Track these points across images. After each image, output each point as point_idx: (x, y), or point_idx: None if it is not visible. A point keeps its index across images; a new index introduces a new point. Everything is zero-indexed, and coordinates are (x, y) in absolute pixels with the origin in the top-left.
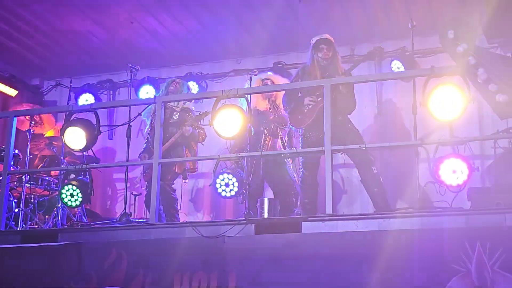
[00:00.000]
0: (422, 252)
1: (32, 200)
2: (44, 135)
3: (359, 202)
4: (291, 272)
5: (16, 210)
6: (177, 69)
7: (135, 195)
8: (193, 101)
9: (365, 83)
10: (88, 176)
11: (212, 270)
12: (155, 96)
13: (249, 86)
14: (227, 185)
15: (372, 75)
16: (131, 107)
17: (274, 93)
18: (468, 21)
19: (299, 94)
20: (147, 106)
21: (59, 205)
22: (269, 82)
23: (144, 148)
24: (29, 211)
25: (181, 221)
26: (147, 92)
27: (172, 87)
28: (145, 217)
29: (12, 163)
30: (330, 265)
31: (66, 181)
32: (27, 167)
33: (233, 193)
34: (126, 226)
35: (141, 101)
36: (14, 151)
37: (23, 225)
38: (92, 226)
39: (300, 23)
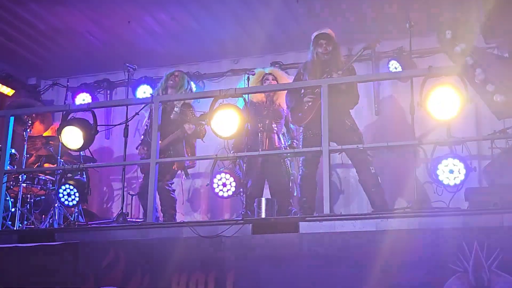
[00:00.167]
0: (419, 252)
1: (28, 200)
2: (41, 134)
3: (356, 202)
4: (288, 272)
5: (13, 209)
6: (175, 69)
7: (132, 195)
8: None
9: (362, 83)
10: (85, 176)
11: (209, 270)
12: (152, 95)
13: (247, 85)
14: (224, 184)
15: (370, 75)
16: (128, 106)
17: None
18: (466, 21)
19: (302, 91)
20: (145, 105)
21: (56, 205)
22: (270, 78)
23: (141, 140)
24: (26, 210)
25: (178, 221)
26: (144, 91)
27: (171, 81)
28: (142, 217)
29: (8, 163)
30: (327, 265)
31: (63, 180)
32: (23, 167)
33: (230, 193)
34: (123, 226)
35: (138, 100)
36: (11, 150)
37: (20, 225)
38: (89, 226)
39: (298, 22)
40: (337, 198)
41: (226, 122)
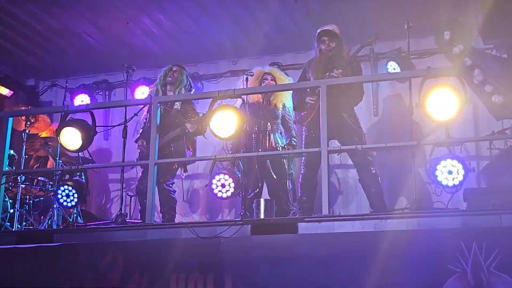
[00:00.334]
0: (418, 253)
1: (27, 201)
2: (39, 135)
3: (355, 202)
4: (287, 273)
5: (11, 210)
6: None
7: (131, 196)
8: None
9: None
10: (83, 177)
11: (208, 271)
12: (150, 96)
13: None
14: (223, 185)
15: (368, 76)
16: (126, 107)
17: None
18: (464, 22)
19: (307, 90)
20: (143, 106)
21: (54, 206)
22: (269, 78)
23: (140, 133)
24: (25, 211)
25: (177, 221)
26: (142, 92)
27: (170, 78)
28: (139, 217)
29: (7, 164)
30: (326, 265)
31: (61, 181)
32: (22, 168)
33: (229, 193)
34: (122, 227)
35: (137, 101)
36: (9, 151)
37: (19, 226)
38: (88, 227)
39: (296, 24)
40: (336, 199)
41: (225, 123)
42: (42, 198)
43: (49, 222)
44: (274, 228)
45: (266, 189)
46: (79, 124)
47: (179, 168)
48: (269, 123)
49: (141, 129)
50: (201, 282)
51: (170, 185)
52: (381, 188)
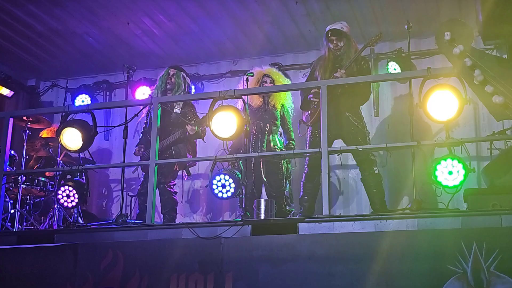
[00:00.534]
0: (418, 253)
1: (28, 201)
2: (40, 135)
3: (355, 203)
4: (287, 273)
5: (12, 211)
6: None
7: (132, 196)
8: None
9: None
10: (84, 177)
11: (208, 271)
12: (151, 96)
13: (246, 87)
14: (223, 186)
15: (369, 76)
16: (127, 108)
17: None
18: (464, 22)
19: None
20: (144, 107)
21: (55, 206)
22: (268, 81)
23: (139, 139)
24: (25, 212)
25: (177, 222)
26: (143, 93)
27: (169, 85)
28: (136, 218)
29: (8, 164)
30: (326, 266)
31: (62, 182)
32: (23, 168)
33: (229, 194)
34: (123, 227)
35: (138, 102)
36: (10, 151)
37: (19, 226)
38: (88, 227)
39: (297, 24)
40: (337, 199)
41: (225, 123)
42: (43, 199)
43: (50, 223)
44: (274, 228)
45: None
46: (80, 125)
47: (181, 170)
48: (268, 125)
49: (141, 134)
50: (202, 282)
51: (172, 186)
52: (383, 189)
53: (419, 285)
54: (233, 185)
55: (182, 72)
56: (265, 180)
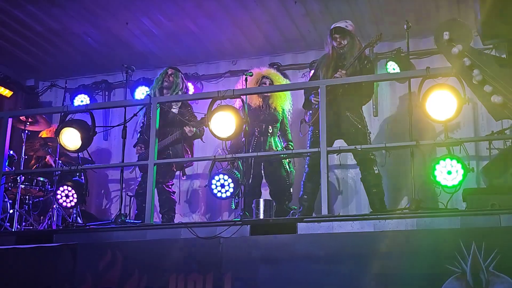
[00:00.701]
0: (417, 253)
1: (27, 201)
2: (39, 135)
3: (354, 203)
4: (286, 273)
5: (11, 211)
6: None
7: (131, 196)
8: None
9: None
10: (83, 177)
11: (207, 271)
12: (150, 96)
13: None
14: (222, 186)
15: (368, 76)
16: (126, 108)
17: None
18: (463, 22)
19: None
20: (143, 107)
21: (54, 206)
22: (268, 82)
23: (138, 139)
24: (24, 212)
25: (176, 222)
26: (142, 93)
27: (166, 83)
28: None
29: (6, 164)
30: (325, 266)
31: (61, 182)
32: (22, 168)
33: (228, 194)
34: (121, 227)
35: (136, 101)
36: (9, 151)
37: (18, 226)
38: (87, 227)
39: (296, 24)
40: (336, 199)
41: (224, 123)
42: (42, 199)
43: (49, 222)
44: (273, 228)
45: (266, 190)
46: (79, 125)
47: (178, 172)
48: (270, 127)
49: (139, 134)
50: (201, 282)
51: (170, 186)
52: (383, 189)
53: (418, 285)
54: (232, 185)
55: (180, 73)
56: (265, 181)
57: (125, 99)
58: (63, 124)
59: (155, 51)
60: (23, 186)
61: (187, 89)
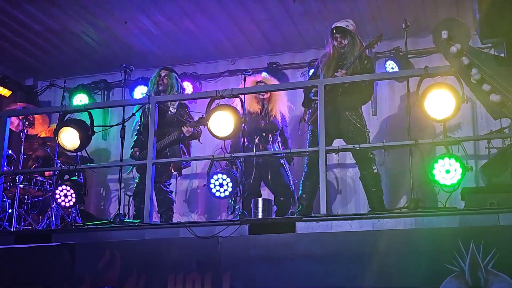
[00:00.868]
0: (415, 252)
1: (25, 201)
2: (37, 135)
3: (353, 202)
4: (285, 272)
5: (10, 210)
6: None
7: (129, 196)
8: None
9: None
10: (82, 177)
11: (206, 270)
12: (148, 95)
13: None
14: (221, 185)
15: (366, 75)
16: (125, 107)
17: (268, 98)
18: (462, 21)
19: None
20: (141, 106)
21: (52, 206)
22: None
23: (134, 141)
24: (23, 211)
25: (175, 221)
26: (142, 93)
27: (161, 86)
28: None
29: (5, 164)
30: (324, 265)
31: (59, 181)
32: (20, 168)
33: (227, 193)
34: (120, 227)
35: (135, 101)
36: (8, 151)
37: (17, 226)
38: (86, 227)
39: (294, 23)
40: (335, 198)
41: (223, 122)
42: (41, 198)
43: (48, 222)
44: (272, 227)
45: (265, 189)
46: (77, 124)
47: (175, 171)
48: (270, 135)
49: (135, 136)
50: (199, 282)
51: (167, 186)
52: (381, 188)
53: (417, 284)
54: (230, 184)
55: (173, 73)
56: (270, 191)
57: (124, 98)
58: (62, 123)
59: (154, 51)
60: (22, 185)
61: (183, 89)
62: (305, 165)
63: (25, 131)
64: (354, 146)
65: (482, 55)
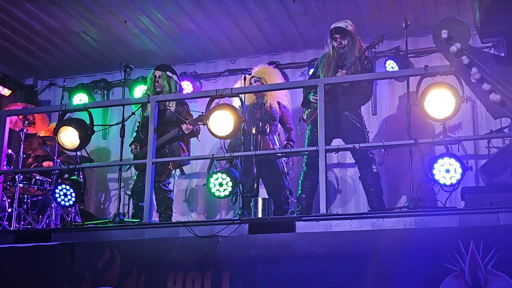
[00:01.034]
0: (415, 252)
1: (25, 200)
2: (38, 135)
3: (353, 201)
4: (285, 272)
5: (9, 210)
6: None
7: (129, 195)
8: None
9: None
10: (81, 176)
11: (205, 270)
12: (148, 95)
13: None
14: (220, 184)
15: (367, 74)
16: (124, 106)
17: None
18: (462, 21)
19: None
20: (141, 105)
21: (52, 205)
22: (253, 80)
23: (134, 138)
24: (23, 211)
25: (174, 220)
26: (141, 91)
27: (157, 88)
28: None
29: (5, 163)
30: (324, 264)
31: (59, 180)
32: (20, 167)
33: (226, 192)
34: (120, 226)
35: (135, 100)
36: (7, 150)
37: (17, 225)
38: (86, 226)
39: (294, 22)
40: (334, 198)
41: (222, 122)
42: (40, 197)
43: (47, 221)
44: (271, 227)
45: (263, 190)
46: (77, 123)
47: (175, 170)
48: (267, 125)
49: (135, 133)
50: (199, 281)
51: (167, 185)
52: (381, 187)
53: (416, 284)
54: (230, 183)
55: (167, 72)
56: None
57: (123, 97)
58: (62, 122)
59: (154, 50)
60: (21, 185)
61: (180, 86)
62: (303, 165)
63: (25, 130)
64: (354, 146)
65: (482, 55)
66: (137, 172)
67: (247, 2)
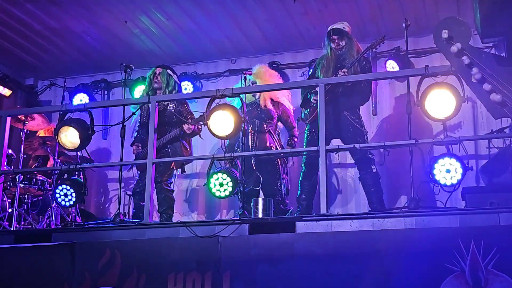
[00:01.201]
0: (416, 252)
1: (25, 200)
2: (38, 134)
3: (353, 202)
4: (285, 272)
5: (10, 210)
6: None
7: (130, 195)
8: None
9: None
10: (82, 176)
11: (206, 270)
12: (148, 95)
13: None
14: (221, 184)
15: (367, 74)
16: (125, 106)
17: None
18: (462, 20)
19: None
20: (141, 105)
21: (52, 205)
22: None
23: (135, 138)
24: (23, 211)
25: (175, 221)
26: (141, 91)
27: (156, 84)
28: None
29: (5, 163)
30: (324, 264)
31: (59, 181)
32: (20, 167)
33: (227, 193)
34: (120, 226)
35: (135, 100)
36: (8, 151)
37: (17, 225)
38: (86, 226)
39: (295, 22)
40: (335, 198)
41: (223, 122)
42: (41, 198)
43: (47, 222)
44: (272, 227)
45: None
46: (78, 123)
47: (176, 170)
48: (264, 123)
49: (136, 133)
50: (199, 281)
51: (169, 185)
52: (381, 188)
53: (417, 284)
54: (230, 183)
55: (168, 70)
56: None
57: (124, 98)
58: (62, 123)
59: (154, 50)
60: (22, 185)
61: (179, 85)
62: (302, 165)
63: (25, 130)
64: (354, 146)
65: (482, 55)
66: (139, 172)
67: (247, 2)
